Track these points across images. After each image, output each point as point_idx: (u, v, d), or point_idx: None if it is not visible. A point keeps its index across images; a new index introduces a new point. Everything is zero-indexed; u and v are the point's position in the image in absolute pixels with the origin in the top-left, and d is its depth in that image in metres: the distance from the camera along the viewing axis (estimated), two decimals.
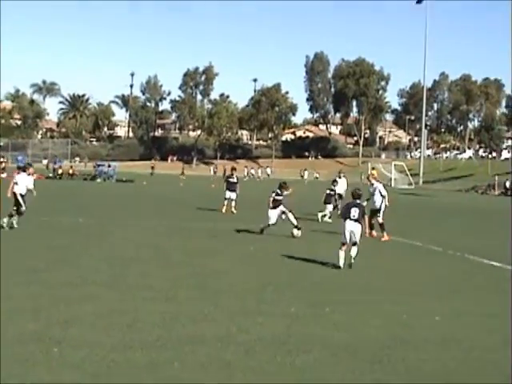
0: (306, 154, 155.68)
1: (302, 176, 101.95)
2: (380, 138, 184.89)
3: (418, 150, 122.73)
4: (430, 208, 26.96)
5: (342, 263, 15.52)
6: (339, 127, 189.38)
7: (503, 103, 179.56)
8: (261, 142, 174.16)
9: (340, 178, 32.57)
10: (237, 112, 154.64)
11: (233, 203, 31.77)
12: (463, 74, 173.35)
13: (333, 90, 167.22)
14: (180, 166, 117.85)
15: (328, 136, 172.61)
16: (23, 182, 20.89)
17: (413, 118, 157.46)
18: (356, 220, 15.91)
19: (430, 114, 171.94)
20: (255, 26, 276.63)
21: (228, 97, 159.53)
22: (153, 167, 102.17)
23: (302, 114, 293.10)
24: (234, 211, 31.04)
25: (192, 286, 12.59)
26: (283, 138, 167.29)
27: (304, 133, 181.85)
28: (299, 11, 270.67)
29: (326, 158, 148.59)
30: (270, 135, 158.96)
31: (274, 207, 22.51)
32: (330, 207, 29.77)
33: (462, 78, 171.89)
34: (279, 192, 22.71)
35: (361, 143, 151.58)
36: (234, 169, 33.93)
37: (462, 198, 66.59)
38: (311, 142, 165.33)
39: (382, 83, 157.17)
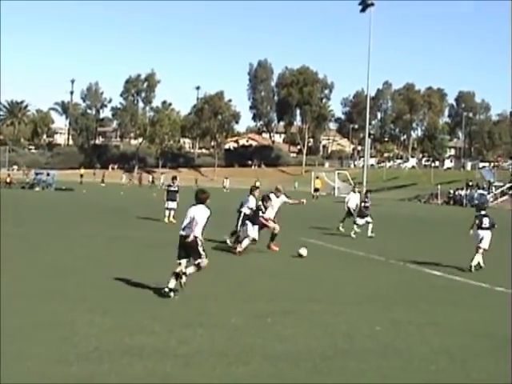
0: (249, 162, 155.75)
1: (224, 186, 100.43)
2: (324, 146, 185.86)
3: (362, 159, 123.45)
4: (372, 217, 27.36)
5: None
6: (282, 136, 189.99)
7: (446, 112, 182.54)
8: (203, 150, 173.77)
9: (354, 192, 32.75)
10: (179, 120, 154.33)
11: (172, 212, 31.43)
12: (406, 83, 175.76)
13: (276, 98, 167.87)
14: (121, 174, 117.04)
15: (271, 144, 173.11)
16: None
17: (356, 126, 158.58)
18: (487, 228, 19.62)
19: (373, 122, 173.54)
20: (198, 32, 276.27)
21: (170, 104, 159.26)
22: (82, 175, 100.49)
23: (245, 122, 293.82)
24: (174, 221, 30.63)
25: (131, 297, 12.39)
26: (226, 147, 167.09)
27: (247, 141, 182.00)
28: (243, 18, 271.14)
29: (269, 167, 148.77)
30: (212, 143, 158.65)
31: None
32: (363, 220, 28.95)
33: (405, 87, 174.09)
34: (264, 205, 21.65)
35: (304, 152, 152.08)
36: (174, 178, 33.62)
37: (405, 207, 67.17)
38: (254, 150, 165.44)
39: (326, 92, 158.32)
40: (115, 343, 9.09)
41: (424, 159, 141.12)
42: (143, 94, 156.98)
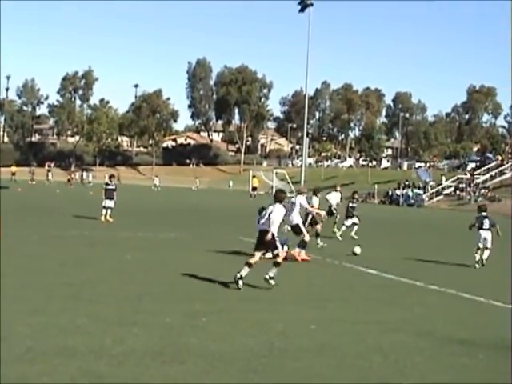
0: (187, 161, 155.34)
1: (155, 185, 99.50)
2: (262, 145, 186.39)
3: (300, 158, 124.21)
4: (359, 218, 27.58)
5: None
6: (221, 134, 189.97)
7: (383, 113, 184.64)
8: (141, 148, 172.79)
9: (336, 191, 32.58)
10: (117, 118, 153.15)
11: (109, 211, 31.08)
12: (345, 83, 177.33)
13: (215, 96, 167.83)
14: (58, 172, 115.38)
15: (209, 143, 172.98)
16: None
17: (295, 126, 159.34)
18: (488, 229, 20.59)
19: (311, 122, 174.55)
20: (136, 30, 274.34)
21: (108, 102, 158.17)
22: (14, 174, 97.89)
23: (184, 120, 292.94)
24: (110, 220, 30.34)
25: (65, 296, 12.24)
26: (164, 145, 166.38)
27: (185, 140, 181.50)
28: (182, 16, 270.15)
29: (207, 166, 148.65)
30: (150, 142, 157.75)
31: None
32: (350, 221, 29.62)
33: (343, 87, 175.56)
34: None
35: (242, 151, 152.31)
36: (112, 176, 33.29)
37: (342, 207, 67.59)
38: (192, 149, 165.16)
39: (265, 91, 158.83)
40: (49, 343, 8.95)
41: (361, 159, 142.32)
42: (80, 92, 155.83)
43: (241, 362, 8.66)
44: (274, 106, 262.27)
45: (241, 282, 14.02)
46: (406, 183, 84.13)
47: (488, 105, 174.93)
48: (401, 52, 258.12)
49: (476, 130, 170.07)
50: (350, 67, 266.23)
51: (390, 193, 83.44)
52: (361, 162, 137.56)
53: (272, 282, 14.41)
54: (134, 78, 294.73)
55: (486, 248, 20.43)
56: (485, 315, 13.02)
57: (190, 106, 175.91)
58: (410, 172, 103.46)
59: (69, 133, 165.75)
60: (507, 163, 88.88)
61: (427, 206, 77.24)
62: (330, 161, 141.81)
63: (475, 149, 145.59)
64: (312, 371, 8.45)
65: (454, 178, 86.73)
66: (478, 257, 20.22)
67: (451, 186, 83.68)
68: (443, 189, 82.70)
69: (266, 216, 14.87)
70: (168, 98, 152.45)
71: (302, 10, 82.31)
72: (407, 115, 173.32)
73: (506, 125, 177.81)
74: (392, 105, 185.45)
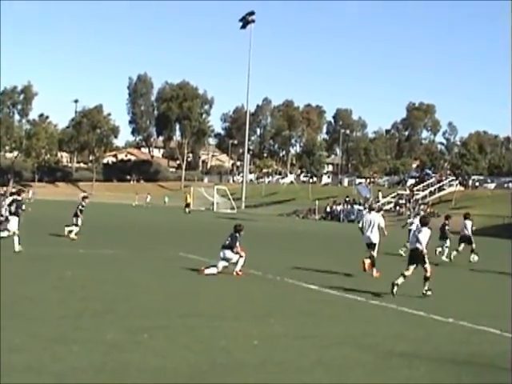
0: (128, 177, 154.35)
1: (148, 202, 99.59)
2: (203, 161, 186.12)
3: (241, 175, 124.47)
4: (250, 232, 27.10)
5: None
6: (162, 150, 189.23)
7: (324, 129, 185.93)
8: (81, 164, 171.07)
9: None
10: (57, 133, 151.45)
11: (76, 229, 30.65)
12: (286, 99, 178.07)
13: (156, 112, 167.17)
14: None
15: (150, 159, 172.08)
16: None
17: (236, 142, 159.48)
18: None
19: (252, 138, 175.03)
20: (77, 43, 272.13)
21: (48, 117, 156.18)
22: None
23: (125, 136, 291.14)
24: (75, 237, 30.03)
25: (3, 314, 12.00)
26: (105, 161, 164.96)
27: (126, 156, 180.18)
28: (123, 32, 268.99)
29: (148, 182, 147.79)
30: (91, 158, 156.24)
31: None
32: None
33: (284, 104, 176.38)
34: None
35: (183, 167, 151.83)
36: (85, 197, 33.08)
37: (283, 222, 67.89)
38: (133, 165, 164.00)
39: (206, 107, 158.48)
40: None
41: (302, 175, 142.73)
42: (19, 107, 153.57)
43: (182, 378, 8.63)
44: (215, 123, 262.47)
45: (395, 289, 17.04)
46: (347, 199, 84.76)
47: (427, 122, 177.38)
48: (341, 69, 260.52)
49: (415, 146, 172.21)
50: (291, 84, 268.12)
51: (329, 209, 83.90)
52: (302, 178, 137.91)
53: (429, 293, 17.49)
54: (73, 93, 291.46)
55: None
56: (425, 329, 13.15)
57: (130, 122, 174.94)
58: (350, 188, 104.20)
59: (7, 148, 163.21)
60: (446, 179, 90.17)
61: None
62: (270, 177, 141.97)
63: (415, 165, 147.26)
64: None
65: (394, 194, 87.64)
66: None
67: (391, 202, 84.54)
68: (383, 204, 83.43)
69: (415, 237, 17.97)
70: (109, 114, 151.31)
71: (243, 27, 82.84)
72: (348, 132, 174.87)
73: (444, 141, 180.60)
74: (333, 121, 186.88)
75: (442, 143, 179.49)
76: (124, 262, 22.53)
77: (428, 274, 17.56)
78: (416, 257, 17.77)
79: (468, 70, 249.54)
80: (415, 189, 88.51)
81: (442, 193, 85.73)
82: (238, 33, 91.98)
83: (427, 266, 17.66)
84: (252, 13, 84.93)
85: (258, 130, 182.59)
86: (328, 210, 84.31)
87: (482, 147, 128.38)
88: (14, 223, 23.93)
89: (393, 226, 71.95)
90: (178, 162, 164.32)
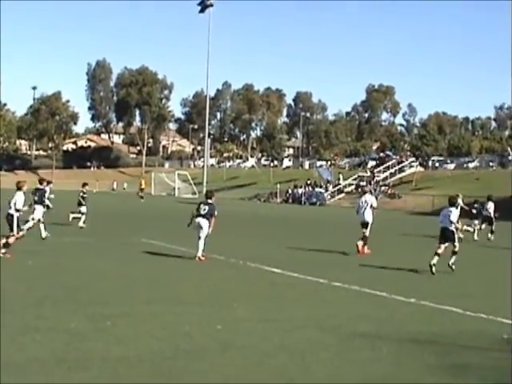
0: (88, 164, 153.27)
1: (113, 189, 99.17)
2: (164, 147, 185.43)
3: (202, 159, 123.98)
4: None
5: None
6: (122, 136, 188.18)
7: (284, 112, 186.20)
8: (41, 152, 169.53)
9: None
10: (15, 121, 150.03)
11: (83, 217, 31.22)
12: (245, 83, 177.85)
13: (115, 98, 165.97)
14: None
15: (110, 145, 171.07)
16: None
17: (196, 127, 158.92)
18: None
19: (213, 123, 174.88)
20: (34, 30, 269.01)
21: (5, 105, 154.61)
22: None
23: (84, 123, 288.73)
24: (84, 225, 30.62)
25: None
26: (64, 148, 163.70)
27: (86, 142, 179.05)
28: (81, 17, 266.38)
29: (108, 168, 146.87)
30: (50, 145, 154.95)
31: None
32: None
33: (244, 88, 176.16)
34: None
35: (144, 153, 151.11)
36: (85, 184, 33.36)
37: (244, 206, 67.91)
38: (93, 151, 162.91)
39: (166, 92, 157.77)
40: None
41: (263, 159, 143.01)
42: None
43: (146, 365, 8.61)
44: (175, 108, 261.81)
45: (434, 269, 18.42)
46: (308, 182, 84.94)
47: (387, 103, 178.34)
48: (301, 52, 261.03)
49: (375, 128, 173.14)
50: (251, 67, 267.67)
51: (291, 192, 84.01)
52: (263, 161, 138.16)
53: (454, 266, 19.10)
54: (32, 80, 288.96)
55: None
56: (388, 309, 13.23)
57: (90, 108, 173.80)
58: (311, 171, 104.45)
59: None
60: (406, 160, 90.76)
61: (329, 204, 78.11)
62: (231, 161, 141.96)
63: (375, 147, 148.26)
64: (219, 372, 8.45)
65: (355, 176, 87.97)
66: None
67: (352, 184, 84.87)
68: (344, 187, 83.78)
69: (443, 216, 19.70)
70: (67, 101, 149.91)
71: (201, 11, 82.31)
72: (308, 115, 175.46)
73: (404, 123, 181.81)
74: (293, 104, 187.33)
75: (401, 125, 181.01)
76: (85, 249, 22.39)
77: (456, 250, 19.34)
78: (447, 235, 19.34)
79: (427, 51, 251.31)
80: (376, 170, 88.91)
81: (402, 174, 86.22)
82: (196, 16, 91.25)
83: (456, 243, 19.48)
84: None
85: (219, 114, 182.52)
86: (289, 193, 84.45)
87: (442, 128, 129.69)
88: (38, 212, 24.53)
89: (354, 207, 72.55)
90: (138, 147, 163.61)
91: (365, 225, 24.24)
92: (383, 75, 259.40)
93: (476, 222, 33.37)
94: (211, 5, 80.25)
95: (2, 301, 12.26)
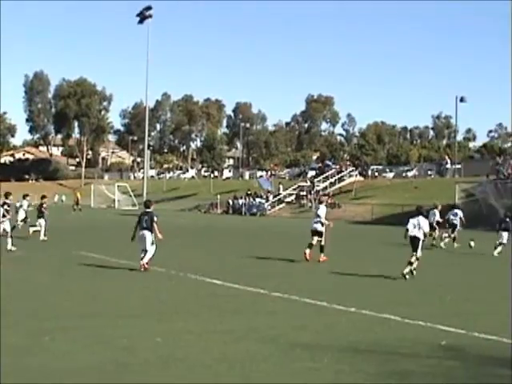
0: (26, 176, 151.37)
1: (55, 202, 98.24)
2: (103, 158, 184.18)
3: (142, 171, 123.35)
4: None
5: None
6: (61, 148, 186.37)
7: (224, 123, 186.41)
8: None
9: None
10: None
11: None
12: (185, 94, 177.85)
13: (53, 110, 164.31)
14: None
15: (49, 158, 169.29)
16: None
17: (136, 138, 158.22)
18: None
19: (152, 134, 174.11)
20: None
21: None
22: None
23: (22, 135, 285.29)
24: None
25: None
26: (1, 161, 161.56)
27: (24, 155, 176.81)
28: (17, 26, 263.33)
29: (47, 181, 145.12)
30: None
31: None
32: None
33: (183, 99, 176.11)
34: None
35: (83, 164, 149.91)
36: (44, 196, 33.70)
37: (185, 218, 67.71)
38: (31, 164, 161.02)
39: (105, 103, 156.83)
40: None
41: (203, 169, 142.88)
42: None
43: (86, 379, 8.52)
44: (115, 119, 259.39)
45: (407, 276, 19.61)
46: (249, 192, 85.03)
47: (326, 113, 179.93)
48: (240, 62, 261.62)
49: (315, 138, 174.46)
50: (190, 79, 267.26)
51: (231, 203, 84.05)
52: (203, 172, 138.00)
53: (407, 276, 19.69)
54: None
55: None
56: (328, 319, 13.30)
57: (27, 120, 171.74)
58: (251, 181, 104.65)
59: None
60: (346, 170, 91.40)
61: (270, 214, 78.33)
62: (172, 172, 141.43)
63: (315, 157, 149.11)
64: None
65: (295, 185, 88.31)
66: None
67: (292, 194, 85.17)
68: (285, 197, 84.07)
69: (413, 225, 20.42)
70: (4, 112, 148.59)
71: (140, 22, 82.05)
72: (248, 125, 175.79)
73: (343, 133, 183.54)
74: (233, 115, 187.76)
75: (341, 134, 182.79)
76: (23, 261, 22.11)
77: (413, 260, 19.97)
78: (415, 244, 20.30)
79: (365, 60, 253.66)
80: (316, 180, 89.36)
81: (342, 183, 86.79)
82: (135, 27, 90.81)
83: (419, 253, 20.24)
84: (149, 7, 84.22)
85: (158, 126, 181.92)
86: (230, 203, 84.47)
87: (380, 137, 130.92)
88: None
89: (295, 217, 72.83)
90: (77, 159, 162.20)
91: (317, 233, 24.59)
92: (322, 85, 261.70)
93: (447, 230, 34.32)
94: (150, 16, 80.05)
95: None
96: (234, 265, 23.11)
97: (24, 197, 34.59)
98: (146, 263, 20.13)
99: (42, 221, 31.63)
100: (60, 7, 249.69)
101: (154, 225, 20.44)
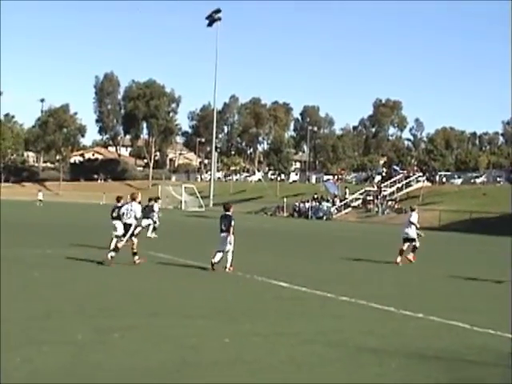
0: (95, 176, 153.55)
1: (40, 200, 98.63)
2: (170, 160, 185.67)
3: (209, 173, 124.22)
4: (218, 230, 26.75)
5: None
6: (129, 149, 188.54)
7: (291, 126, 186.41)
8: (48, 164, 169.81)
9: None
10: (23, 133, 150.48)
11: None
12: (253, 97, 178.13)
13: (123, 111, 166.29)
14: None
15: (118, 158, 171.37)
16: None
17: (203, 140, 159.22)
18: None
19: (220, 136, 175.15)
20: (42, 43, 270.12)
21: (13, 117, 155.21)
22: None
23: (92, 135, 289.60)
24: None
25: None
26: (71, 161, 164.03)
27: (93, 155, 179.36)
28: (88, 30, 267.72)
29: (115, 181, 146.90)
30: (57, 157, 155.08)
31: None
32: None
33: (251, 101, 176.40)
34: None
35: (151, 165, 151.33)
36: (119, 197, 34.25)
37: (251, 220, 67.80)
38: (100, 164, 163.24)
39: (173, 105, 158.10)
40: None
41: (270, 172, 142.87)
42: None
43: (154, 377, 8.57)
44: (183, 121, 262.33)
45: None
46: (315, 196, 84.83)
47: (394, 118, 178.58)
48: (308, 66, 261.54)
49: (382, 142, 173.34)
50: (258, 81, 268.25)
51: (298, 206, 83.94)
52: (269, 175, 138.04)
53: None
54: (40, 92, 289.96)
55: None
56: (395, 324, 13.18)
57: (97, 121, 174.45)
58: (318, 185, 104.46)
59: None
60: (413, 175, 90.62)
61: (336, 218, 78.06)
62: (238, 175, 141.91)
63: (382, 161, 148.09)
64: None
65: (362, 190, 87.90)
66: None
67: (359, 199, 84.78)
68: (351, 201, 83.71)
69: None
70: (75, 113, 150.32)
71: (210, 25, 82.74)
72: (315, 129, 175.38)
73: (411, 137, 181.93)
74: (300, 118, 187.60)
75: (408, 139, 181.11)
76: (91, 262, 22.34)
77: None
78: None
79: (434, 66, 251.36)
80: (383, 185, 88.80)
81: (409, 189, 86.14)
82: (204, 30, 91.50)
83: None
84: (218, 10, 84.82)
85: (226, 128, 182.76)
86: (296, 207, 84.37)
87: (449, 143, 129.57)
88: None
89: (361, 222, 72.47)
90: (145, 160, 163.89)
91: (409, 240, 25.86)
92: (390, 90, 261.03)
93: None
94: (219, 18, 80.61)
95: (9, 311, 12.25)
96: (301, 268, 23.06)
97: (155, 200, 35.59)
98: (231, 265, 20.44)
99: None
100: (130, 8, 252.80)
101: (231, 228, 20.69)
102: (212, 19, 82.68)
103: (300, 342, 11.00)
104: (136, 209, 21.34)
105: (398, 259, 24.70)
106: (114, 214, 24.56)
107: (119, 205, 25.50)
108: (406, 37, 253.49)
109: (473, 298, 17.73)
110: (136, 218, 21.26)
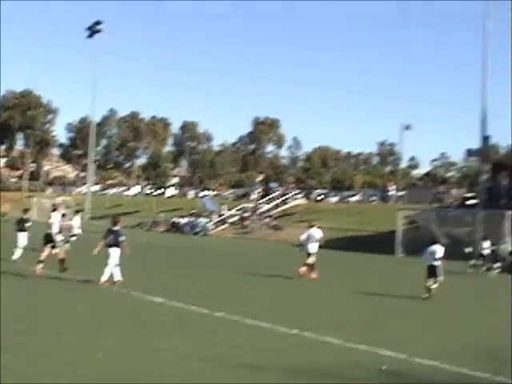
0: None
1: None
2: (46, 172, 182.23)
3: (85, 186, 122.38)
4: (93, 245, 26.08)
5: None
6: (3, 160, 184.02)
7: (170, 141, 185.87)
8: None
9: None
10: None
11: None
12: (132, 111, 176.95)
13: None
14: None
15: None
16: None
17: (80, 152, 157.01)
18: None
19: (98, 149, 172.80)
20: None
21: None
22: None
23: None
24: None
25: None
26: None
27: None
28: None
29: None
30: None
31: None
32: None
33: (130, 115, 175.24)
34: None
35: (26, 177, 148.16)
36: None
37: (127, 235, 67.09)
38: None
39: (50, 116, 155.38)
40: None
41: (148, 187, 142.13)
42: None
43: None
44: (60, 132, 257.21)
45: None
46: (192, 212, 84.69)
47: (272, 136, 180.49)
48: (187, 81, 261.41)
49: (261, 160, 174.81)
50: (138, 95, 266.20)
51: (175, 221, 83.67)
52: (147, 190, 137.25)
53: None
54: None
55: None
56: (270, 340, 13.27)
57: None
58: (195, 200, 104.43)
59: None
60: (290, 192, 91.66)
61: (213, 234, 78.14)
62: (115, 188, 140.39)
63: (259, 178, 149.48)
64: None
65: (239, 206, 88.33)
66: None
67: (236, 215, 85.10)
68: (228, 217, 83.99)
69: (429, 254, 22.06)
70: None
71: (90, 36, 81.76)
72: (194, 144, 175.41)
73: (289, 155, 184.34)
74: (179, 133, 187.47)
75: (286, 157, 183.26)
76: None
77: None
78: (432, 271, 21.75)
79: (312, 84, 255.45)
80: (260, 202, 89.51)
81: (286, 206, 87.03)
82: (84, 42, 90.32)
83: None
84: (99, 22, 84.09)
85: (104, 141, 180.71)
86: (173, 222, 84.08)
87: (326, 162, 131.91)
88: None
89: (238, 238, 72.85)
90: (20, 171, 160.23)
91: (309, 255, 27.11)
92: (269, 108, 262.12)
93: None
94: (99, 31, 79.83)
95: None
96: (177, 283, 23.01)
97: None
98: (107, 280, 20.25)
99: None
100: (7, 15, 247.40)
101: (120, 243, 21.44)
102: (93, 31, 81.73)
103: (175, 358, 10.97)
104: None
105: (303, 269, 26.21)
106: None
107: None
108: (284, 54, 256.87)
109: (350, 315, 18.03)
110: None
